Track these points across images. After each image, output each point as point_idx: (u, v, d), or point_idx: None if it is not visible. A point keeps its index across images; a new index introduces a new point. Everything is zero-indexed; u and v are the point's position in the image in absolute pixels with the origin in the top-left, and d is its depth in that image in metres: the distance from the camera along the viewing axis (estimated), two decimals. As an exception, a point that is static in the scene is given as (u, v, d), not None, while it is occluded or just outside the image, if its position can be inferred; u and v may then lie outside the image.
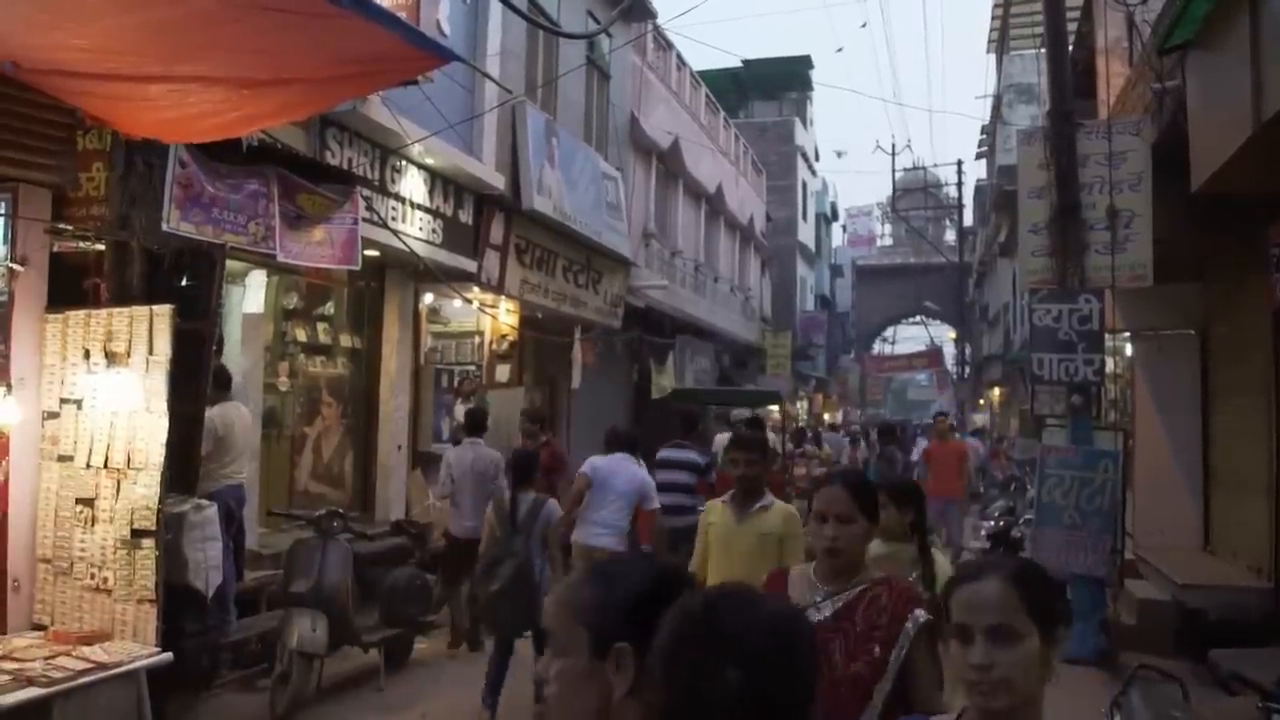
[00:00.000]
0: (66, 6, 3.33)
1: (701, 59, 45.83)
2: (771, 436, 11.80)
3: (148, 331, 4.65)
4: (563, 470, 7.72)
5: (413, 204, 8.65)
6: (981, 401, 32.09)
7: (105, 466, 4.67)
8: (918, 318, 43.05)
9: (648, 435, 12.92)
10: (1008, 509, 8.99)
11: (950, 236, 39.81)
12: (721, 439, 11.33)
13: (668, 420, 15.60)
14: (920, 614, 2.35)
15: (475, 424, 7.57)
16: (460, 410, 9.40)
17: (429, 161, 8.74)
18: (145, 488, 4.54)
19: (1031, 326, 7.37)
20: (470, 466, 7.19)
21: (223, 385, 5.90)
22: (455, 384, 10.27)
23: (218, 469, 5.85)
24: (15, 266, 4.80)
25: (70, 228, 4.96)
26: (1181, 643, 6.62)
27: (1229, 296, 7.85)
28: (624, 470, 6.25)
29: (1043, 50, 8.24)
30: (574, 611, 1.35)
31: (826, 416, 30.24)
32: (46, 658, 4.21)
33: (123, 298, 4.91)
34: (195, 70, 3.98)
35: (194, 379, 4.93)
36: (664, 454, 7.82)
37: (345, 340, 8.97)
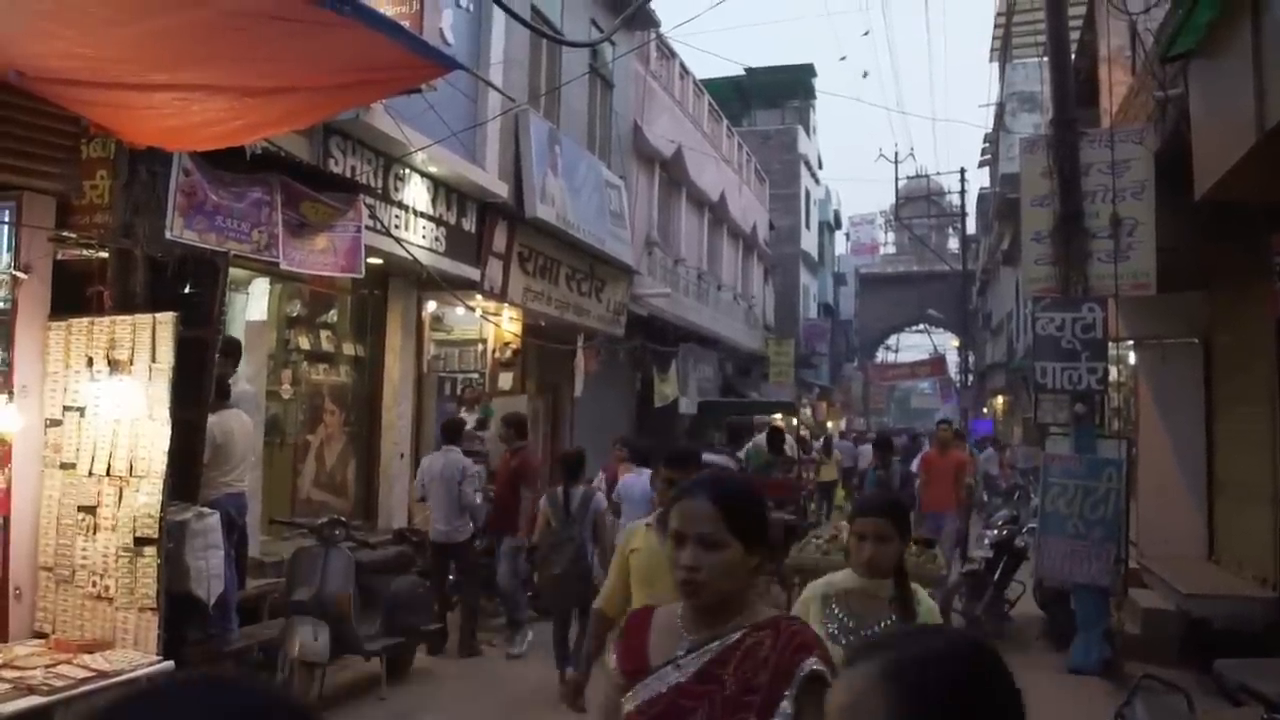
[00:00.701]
0: (71, 16, 3.35)
1: (704, 67, 45.92)
2: (791, 442, 12.77)
3: (150, 339, 4.66)
4: (530, 480, 7.58)
5: (416, 212, 8.67)
6: (985, 410, 32.04)
7: (107, 474, 4.67)
8: (921, 326, 43.03)
9: (652, 442, 13.00)
10: (1011, 518, 8.95)
11: (953, 244, 39.82)
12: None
13: (672, 427, 15.81)
14: (809, 665, 1.71)
15: (449, 432, 7.79)
16: (465, 419, 9.43)
17: (432, 169, 8.76)
18: (147, 495, 4.54)
19: (1035, 335, 7.36)
20: (439, 473, 7.38)
21: (223, 393, 5.90)
22: (458, 392, 10.28)
23: (218, 477, 5.85)
24: (19, 274, 4.81)
25: (74, 235, 4.98)
26: (1186, 653, 6.59)
27: (1232, 305, 7.84)
28: (639, 483, 7.21)
29: (1045, 58, 8.25)
30: None
31: (830, 424, 30.14)
32: (47, 666, 4.20)
33: (126, 305, 4.92)
34: (199, 79, 3.99)
35: (196, 387, 4.93)
36: (704, 457, 8.59)
37: (348, 348, 8.97)
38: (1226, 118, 5.38)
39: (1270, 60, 4.66)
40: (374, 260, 7.82)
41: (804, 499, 12.20)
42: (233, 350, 6.40)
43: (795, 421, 15.14)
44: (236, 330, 7.07)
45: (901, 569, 2.69)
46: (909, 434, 22.65)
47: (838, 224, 39.95)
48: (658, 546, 3.24)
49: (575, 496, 6.67)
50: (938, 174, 41.92)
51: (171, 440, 4.53)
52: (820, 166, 33.99)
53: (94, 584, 4.66)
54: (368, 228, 7.12)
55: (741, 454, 11.47)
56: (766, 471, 11.24)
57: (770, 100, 31.40)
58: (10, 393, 4.73)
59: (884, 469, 9.90)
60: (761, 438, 12.55)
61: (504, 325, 10.78)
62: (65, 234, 4.96)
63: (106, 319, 4.82)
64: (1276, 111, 4.56)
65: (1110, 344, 7.77)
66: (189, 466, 5.04)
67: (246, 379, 6.68)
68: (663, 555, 2.96)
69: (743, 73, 27.75)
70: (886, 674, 0.97)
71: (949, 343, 41.42)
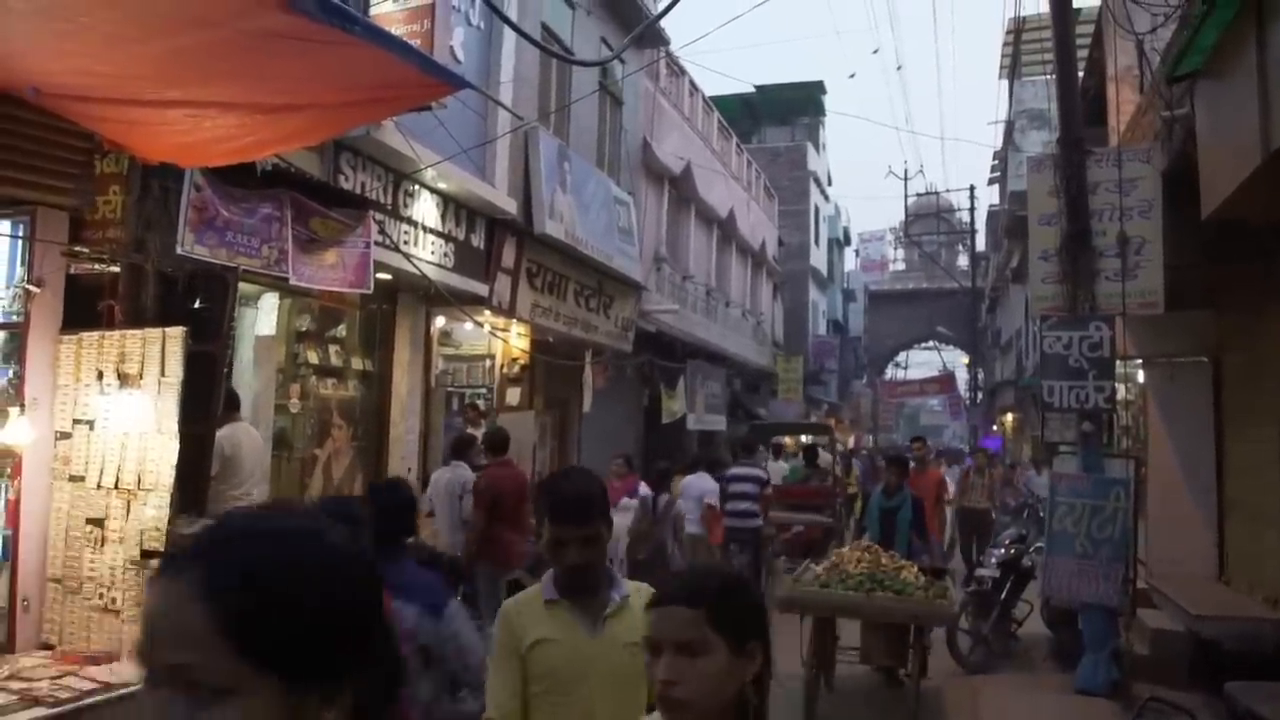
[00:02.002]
0: (90, 34, 3.40)
1: (714, 85, 46.16)
2: (825, 456, 14.60)
3: (160, 353, 4.70)
4: (479, 500, 7.21)
5: (425, 228, 8.72)
6: (995, 427, 31.93)
7: (116, 487, 4.71)
8: (930, 343, 42.98)
9: (658, 457, 13.07)
10: (1019, 536, 8.90)
11: (963, 261, 39.79)
12: (776, 467, 13.73)
13: (680, 443, 15.82)
14: None
15: (457, 448, 7.79)
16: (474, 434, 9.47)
17: (442, 186, 8.81)
18: (155, 509, 4.57)
19: (1042, 353, 7.34)
20: (445, 488, 7.48)
21: (232, 406, 5.93)
22: (463, 410, 10.26)
23: (227, 490, 5.86)
24: (32, 288, 4.87)
25: (86, 250, 5.04)
26: (1196, 674, 6.54)
27: (1242, 324, 7.81)
28: (698, 482, 9.31)
29: (1053, 77, 8.27)
30: None
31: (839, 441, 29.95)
32: (53, 678, 4.22)
33: (136, 320, 4.97)
34: (213, 95, 4.05)
35: (205, 401, 4.97)
36: (735, 471, 10.08)
37: (356, 363, 9.01)
38: (1233, 138, 5.38)
39: (1276, 82, 4.67)
40: (383, 276, 7.86)
41: (840, 505, 13.09)
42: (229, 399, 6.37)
43: (829, 440, 16.72)
44: (246, 344, 7.11)
45: (750, 708, 1.53)
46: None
47: (847, 240, 40.01)
48: (581, 634, 2.27)
49: (661, 502, 8.70)
50: (947, 191, 41.94)
51: (180, 454, 4.56)
52: (830, 183, 34.06)
53: (101, 596, 4.68)
54: (377, 243, 7.17)
55: (774, 475, 11.92)
56: (805, 481, 12.91)
57: (780, 117, 31.50)
58: (21, 405, 4.77)
59: (891, 495, 7.79)
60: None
61: (512, 341, 10.81)
62: (78, 248, 5.02)
63: (117, 333, 4.87)
64: (1282, 132, 4.56)
65: (1118, 362, 7.74)
66: (197, 480, 5.07)
67: (254, 395, 6.71)
68: (591, 641, 2.24)
69: (752, 90, 27.85)
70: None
71: (959, 360, 41.33)
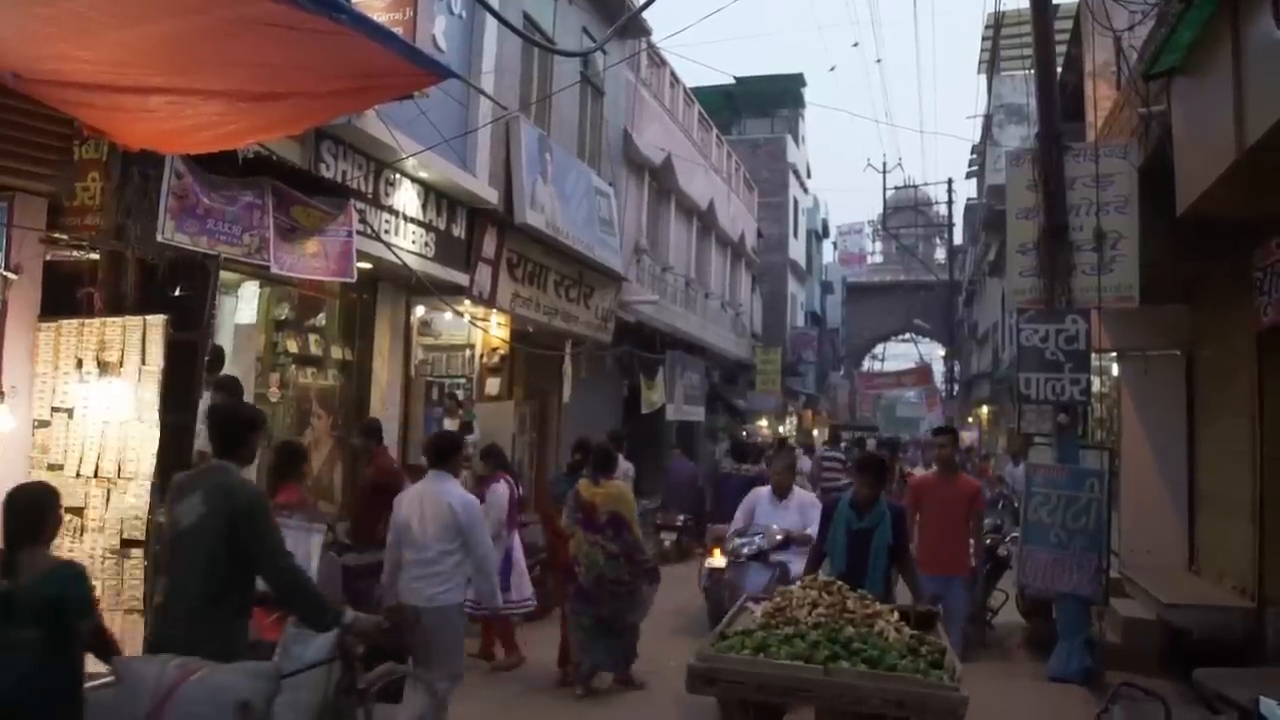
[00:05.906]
0: (71, 21, 3.36)
1: (695, 76, 46.17)
2: (871, 444, 17.75)
3: (141, 341, 4.67)
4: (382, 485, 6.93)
5: (406, 217, 8.68)
6: (970, 419, 32.22)
7: (95, 476, 4.68)
8: (907, 335, 43.24)
9: (638, 446, 13.11)
10: (994, 527, 9.01)
11: (940, 255, 40.08)
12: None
13: (659, 433, 15.87)
14: None
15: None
16: (449, 425, 9.46)
17: (423, 175, 8.77)
18: (135, 498, 4.56)
19: (1018, 346, 7.44)
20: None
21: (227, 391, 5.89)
22: (443, 400, 10.23)
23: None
24: (9, 275, 4.81)
25: (65, 237, 4.99)
26: (1167, 662, 6.67)
27: (1215, 318, 7.95)
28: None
29: (1032, 72, 8.35)
30: None
31: (816, 433, 30.03)
32: (33, 667, 4.19)
33: (116, 307, 4.94)
34: (195, 83, 4.01)
35: (186, 389, 4.94)
36: (826, 453, 14.66)
37: (336, 352, 8.97)
38: (1208, 135, 5.47)
39: (1250, 80, 4.75)
40: (363, 265, 7.82)
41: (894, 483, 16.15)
42: (216, 357, 6.35)
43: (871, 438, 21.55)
44: (225, 333, 7.06)
45: None
46: (890, 446, 16.69)
47: (825, 233, 40.12)
48: None
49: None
50: (925, 184, 42.27)
51: (160, 442, 4.54)
52: (809, 175, 34.15)
53: (81, 586, 4.65)
54: (358, 232, 7.13)
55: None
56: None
57: (760, 109, 31.54)
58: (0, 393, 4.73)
59: (864, 511, 5.33)
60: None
61: (492, 331, 10.79)
62: (56, 235, 4.97)
63: (96, 321, 4.84)
64: (1256, 130, 4.64)
65: (1094, 355, 7.85)
66: (178, 468, 5.03)
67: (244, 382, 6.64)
68: None
69: (732, 82, 27.84)
70: None
71: (935, 352, 41.65)
